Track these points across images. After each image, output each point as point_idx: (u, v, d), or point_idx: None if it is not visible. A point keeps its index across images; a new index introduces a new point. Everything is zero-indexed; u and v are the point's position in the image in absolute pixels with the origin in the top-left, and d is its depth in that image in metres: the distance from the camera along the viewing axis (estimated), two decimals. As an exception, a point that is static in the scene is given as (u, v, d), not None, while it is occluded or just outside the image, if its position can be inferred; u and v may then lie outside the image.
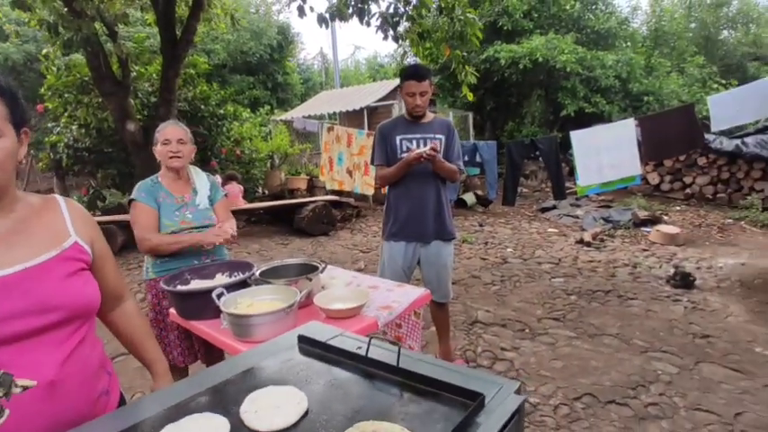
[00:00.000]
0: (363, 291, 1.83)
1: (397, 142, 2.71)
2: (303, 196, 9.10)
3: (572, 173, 8.83)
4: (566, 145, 5.89)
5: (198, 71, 8.26)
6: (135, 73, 7.10)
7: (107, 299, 1.17)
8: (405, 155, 2.61)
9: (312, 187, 9.76)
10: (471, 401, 0.81)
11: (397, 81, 2.71)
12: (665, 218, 7.24)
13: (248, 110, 11.28)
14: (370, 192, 7.46)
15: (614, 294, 4.23)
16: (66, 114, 7.27)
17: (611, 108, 11.12)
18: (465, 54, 5.48)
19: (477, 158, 8.15)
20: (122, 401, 1.13)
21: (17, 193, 0.99)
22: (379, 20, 4.89)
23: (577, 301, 4.11)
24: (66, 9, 4.68)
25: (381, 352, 1.03)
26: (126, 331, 1.23)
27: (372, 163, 2.87)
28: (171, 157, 2.14)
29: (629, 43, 13.43)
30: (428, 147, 2.53)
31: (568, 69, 10.58)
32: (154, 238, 2.07)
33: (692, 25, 15.85)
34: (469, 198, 9.27)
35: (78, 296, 0.97)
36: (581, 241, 6.11)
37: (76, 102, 7.00)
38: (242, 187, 8.05)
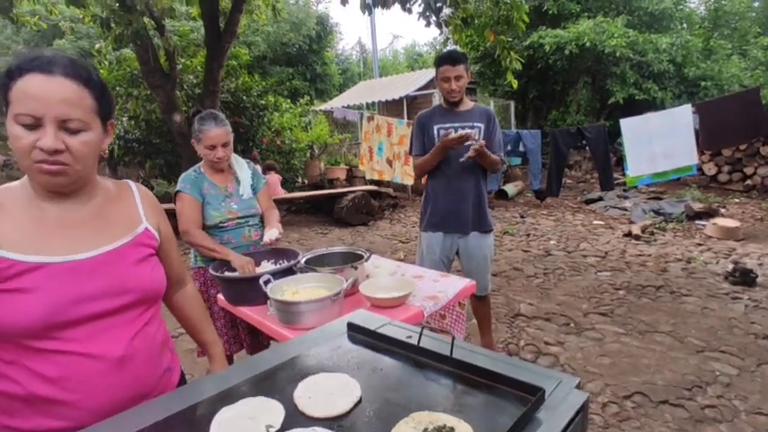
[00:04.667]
0: (409, 280, 1.81)
1: (435, 131, 2.66)
2: (342, 186, 9.16)
3: (619, 163, 8.48)
4: (614, 134, 5.64)
5: (240, 63, 8.42)
6: (180, 65, 7.31)
7: (172, 282, 1.20)
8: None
9: (351, 177, 9.80)
10: (530, 396, 0.77)
11: (436, 70, 2.66)
12: (723, 210, 6.82)
13: (288, 101, 11.43)
14: (409, 182, 7.42)
15: (666, 290, 4.02)
16: (117, 107, 7.60)
17: (665, 95, 10.53)
18: (509, 40, 5.29)
19: (521, 148, 7.96)
20: (182, 379, 1.18)
21: (96, 179, 1.03)
22: (422, 6, 4.78)
23: (626, 296, 3.94)
24: (117, 5, 4.85)
25: (431, 342, 1.01)
26: (187, 314, 1.27)
27: (411, 153, 2.83)
28: (216, 162, 2.14)
29: (685, 25, 12.64)
30: (465, 132, 2.46)
31: (618, 54, 10.06)
32: (194, 238, 2.08)
33: (756, 4, 14.72)
34: (510, 189, 9.06)
35: (148, 280, 1.02)
36: (629, 234, 5.85)
37: (127, 94, 7.29)
38: (280, 177, 8.19)
